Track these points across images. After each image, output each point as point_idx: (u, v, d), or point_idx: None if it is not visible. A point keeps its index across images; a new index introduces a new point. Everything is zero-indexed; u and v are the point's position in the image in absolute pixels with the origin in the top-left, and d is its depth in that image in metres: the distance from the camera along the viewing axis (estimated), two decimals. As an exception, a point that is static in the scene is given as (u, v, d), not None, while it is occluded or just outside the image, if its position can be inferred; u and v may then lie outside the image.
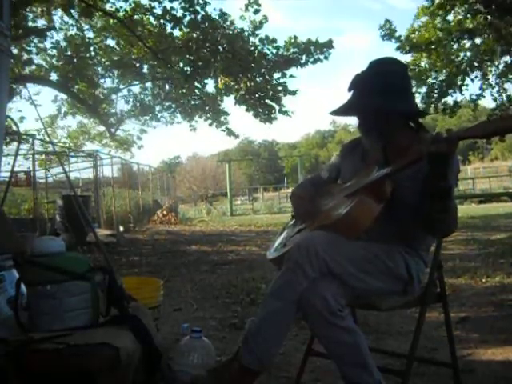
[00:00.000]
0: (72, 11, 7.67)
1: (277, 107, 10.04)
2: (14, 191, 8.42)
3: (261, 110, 10.03)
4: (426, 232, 1.54)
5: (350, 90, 1.58)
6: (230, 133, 11.13)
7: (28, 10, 7.31)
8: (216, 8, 8.45)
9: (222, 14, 8.59)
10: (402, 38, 8.85)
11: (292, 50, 9.22)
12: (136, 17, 8.63)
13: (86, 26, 9.18)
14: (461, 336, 2.39)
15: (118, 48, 9.52)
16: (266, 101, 9.97)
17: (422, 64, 8.98)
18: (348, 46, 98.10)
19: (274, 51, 9.20)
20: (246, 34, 9.00)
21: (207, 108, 10.72)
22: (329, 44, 9.24)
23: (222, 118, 10.95)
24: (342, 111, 1.61)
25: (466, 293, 3.38)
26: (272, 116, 10.16)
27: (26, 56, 8.42)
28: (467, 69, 8.55)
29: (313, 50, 9.18)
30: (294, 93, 9.76)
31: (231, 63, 8.79)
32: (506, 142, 38.36)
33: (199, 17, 8.14)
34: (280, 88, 9.69)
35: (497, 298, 3.16)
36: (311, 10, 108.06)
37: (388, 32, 8.85)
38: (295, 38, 9.22)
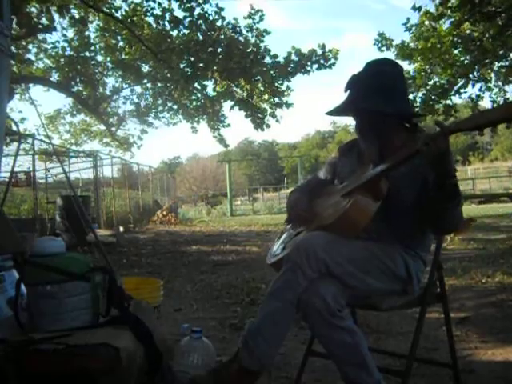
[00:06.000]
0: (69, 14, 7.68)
1: (269, 110, 10.14)
2: (13, 191, 8.42)
3: (254, 116, 10.12)
4: (436, 231, 1.56)
5: (346, 90, 1.59)
6: (220, 140, 11.19)
7: (28, 7, 7.31)
8: (213, 6, 8.50)
9: (220, 11, 8.61)
10: (400, 46, 8.83)
11: (295, 59, 9.26)
12: (136, 18, 8.65)
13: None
14: (461, 336, 2.40)
15: (118, 48, 9.53)
16: (261, 104, 10.07)
17: (418, 66, 8.97)
18: (349, 46, 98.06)
19: (274, 61, 9.28)
20: (249, 36, 9.06)
21: (208, 110, 10.76)
22: (335, 52, 9.31)
23: (220, 121, 10.99)
24: (338, 111, 1.62)
25: (465, 293, 3.38)
26: (265, 121, 10.25)
27: (26, 56, 8.43)
28: (464, 72, 8.55)
29: (320, 55, 9.24)
30: (289, 105, 9.93)
31: (229, 66, 8.84)
32: (506, 143, 38.46)
33: (196, 13, 8.18)
34: (279, 100, 9.83)
35: (497, 297, 3.16)
36: (311, 9, 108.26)
37: (386, 43, 8.81)
38: (298, 50, 9.28)
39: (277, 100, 9.98)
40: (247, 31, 9.03)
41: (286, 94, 9.97)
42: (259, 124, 10.19)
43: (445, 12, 7.45)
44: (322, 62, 9.33)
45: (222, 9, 8.54)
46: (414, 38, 8.94)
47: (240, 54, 8.78)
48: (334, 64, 9.44)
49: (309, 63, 9.33)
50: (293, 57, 9.28)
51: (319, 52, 9.29)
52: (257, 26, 9.05)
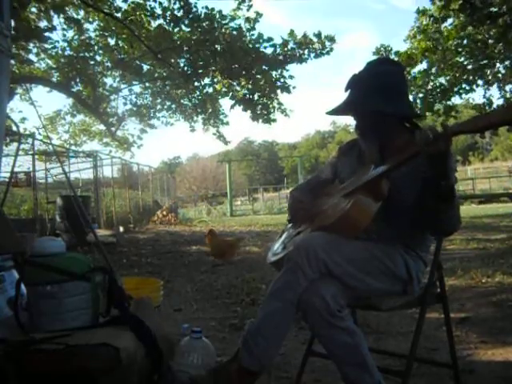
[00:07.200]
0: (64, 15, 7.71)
1: (276, 106, 10.04)
2: (13, 192, 8.42)
3: (259, 112, 10.04)
4: (433, 233, 1.56)
5: (346, 90, 1.59)
6: (220, 137, 11.16)
7: (28, 10, 7.33)
8: (207, 6, 8.47)
9: (216, 12, 8.59)
10: (400, 53, 8.87)
11: (291, 46, 9.20)
12: (135, 17, 8.65)
13: (85, 26, 9.20)
14: (461, 336, 2.40)
15: (118, 48, 9.53)
16: (265, 100, 9.99)
17: (421, 68, 9.01)
18: (349, 46, 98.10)
19: (271, 49, 9.22)
20: (244, 31, 9.00)
21: (207, 108, 10.75)
22: (331, 38, 9.26)
23: (221, 118, 10.98)
24: (339, 111, 1.62)
25: (465, 293, 3.38)
26: (271, 117, 10.16)
27: (26, 56, 8.42)
28: (467, 74, 8.57)
29: (315, 42, 9.18)
30: (289, 90, 9.66)
31: (229, 64, 8.81)
32: (506, 143, 38.49)
33: (193, 13, 8.19)
34: (278, 84, 9.68)
35: (497, 298, 3.16)
36: (311, 9, 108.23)
37: (386, 53, 8.87)
38: (292, 31, 9.20)
39: (278, 83, 9.82)
40: (247, 29, 8.99)
41: (285, 78, 9.86)
42: (266, 120, 10.14)
43: (447, 14, 7.47)
44: (318, 47, 9.28)
45: (212, 9, 8.55)
46: (410, 36, 8.98)
47: (238, 53, 8.74)
48: (331, 50, 9.39)
49: (306, 51, 9.29)
50: (290, 43, 9.23)
51: (315, 40, 9.27)
52: (247, 15, 8.97)
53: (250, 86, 9.68)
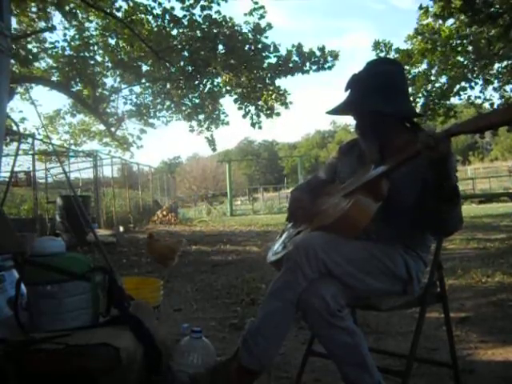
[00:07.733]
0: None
1: (275, 103, 10.16)
2: (13, 191, 8.42)
3: (260, 107, 10.11)
4: (434, 233, 1.56)
5: (346, 89, 1.58)
6: (210, 142, 11.22)
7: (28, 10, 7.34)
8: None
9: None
10: (400, 50, 8.88)
11: (294, 58, 9.25)
12: (136, 17, 8.65)
13: (86, 25, 9.19)
14: (461, 336, 2.40)
15: (118, 48, 9.52)
16: (265, 96, 10.08)
17: (421, 69, 9.02)
18: (349, 46, 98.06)
19: (275, 60, 9.28)
20: (246, 29, 9.03)
21: (207, 108, 10.75)
22: (335, 54, 9.30)
23: (222, 118, 10.99)
24: (339, 111, 1.61)
25: (466, 293, 3.38)
26: (274, 111, 10.21)
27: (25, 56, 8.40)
28: (467, 74, 8.57)
29: (319, 56, 9.24)
30: (287, 105, 9.93)
31: (230, 58, 8.81)
32: (506, 143, 38.47)
33: (198, 12, 8.20)
34: (277, 96, 9.84)
35: (497, 297, 3.16)
36: (312, 9, 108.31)
37: (385, 49, 8.88)
38: (299, 46, 9.24)
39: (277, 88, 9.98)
40: (249, 30, 8.99)
41: (284, 92, 10.01)
42: (269, 114, 10.20)
43: (449, 12, 7.46)
44: (321, 62, 9.33)
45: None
46: (411, 37, 8.98)
47: (240, 50, 8.74)
48: (333, 65, 9.45)
49: (307, 63, 9.33)
50: (294, 55, 9.26)
51: (318, 54, 9.30)
52: (258, 21, 8.98)
53: (252, 76, 9.69)
